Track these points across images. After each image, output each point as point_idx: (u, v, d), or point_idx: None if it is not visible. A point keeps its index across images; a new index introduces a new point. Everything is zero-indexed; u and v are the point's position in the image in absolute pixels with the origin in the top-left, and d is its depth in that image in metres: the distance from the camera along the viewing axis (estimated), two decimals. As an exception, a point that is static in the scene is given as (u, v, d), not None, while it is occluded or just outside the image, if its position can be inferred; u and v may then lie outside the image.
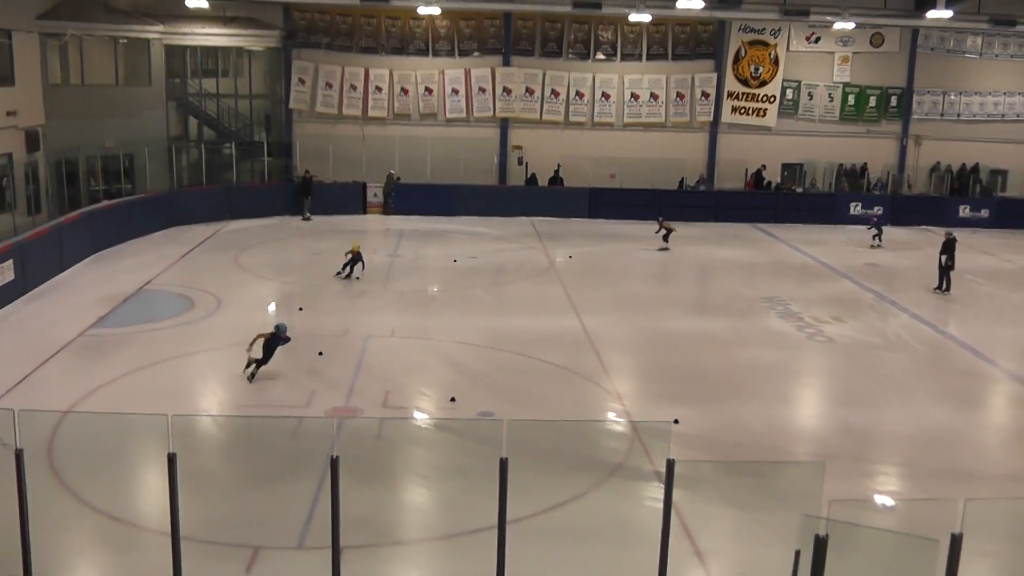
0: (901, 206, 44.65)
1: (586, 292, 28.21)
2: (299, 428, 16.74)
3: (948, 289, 30.33)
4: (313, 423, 16.76)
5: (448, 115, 43.72)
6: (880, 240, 38.24)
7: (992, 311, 29.17)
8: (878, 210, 40.75)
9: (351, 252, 28.41)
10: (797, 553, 9.61)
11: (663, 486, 9.65)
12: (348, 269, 28.47)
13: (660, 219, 36.10)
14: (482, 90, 43.62)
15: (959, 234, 41.89)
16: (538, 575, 10.74)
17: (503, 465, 9.20)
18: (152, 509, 13.09)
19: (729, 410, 18.98)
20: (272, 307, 25.38)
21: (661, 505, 9.71)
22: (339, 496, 9.04)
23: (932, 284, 31.02)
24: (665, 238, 35.55)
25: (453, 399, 18.64)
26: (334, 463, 9.03)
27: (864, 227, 40.54)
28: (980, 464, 17.33)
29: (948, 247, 30.38)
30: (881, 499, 15.44)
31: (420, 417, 18.12)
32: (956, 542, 9.82)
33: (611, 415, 18.54)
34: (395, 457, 15.99)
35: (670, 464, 9.55)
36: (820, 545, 9.32)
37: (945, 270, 30.40)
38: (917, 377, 22.31)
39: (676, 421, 17.16)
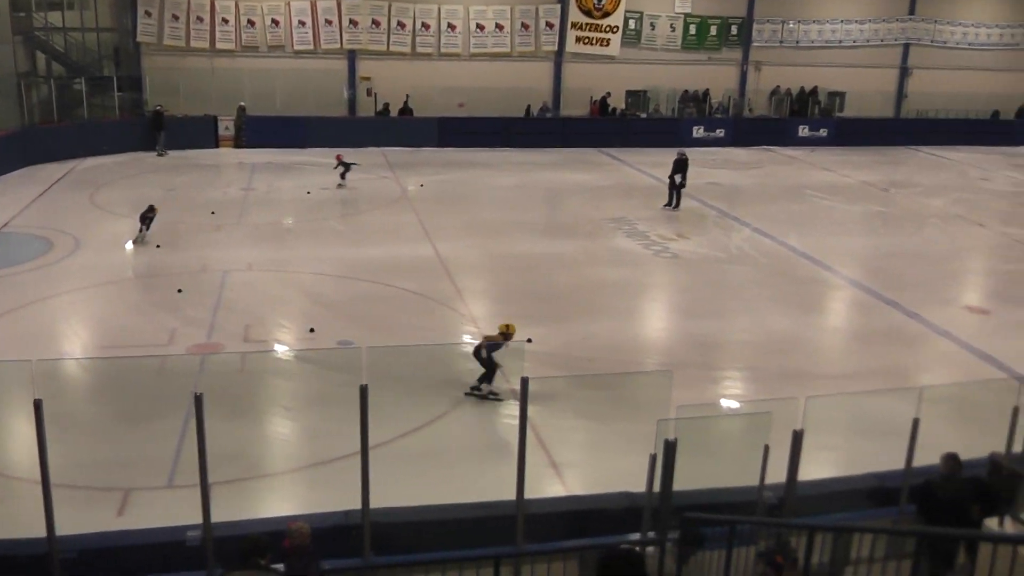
0: (743, 128, 45.89)
1: (439, 219, 28.23)
2: (163, 367, 16.51)
3: (678, 206, 30.72)
4: (176, 361, 16.52)
5: (296, 47, 42.88)
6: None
7: (832, 223, 30.31)
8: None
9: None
10: (652, 457, 9.93)
11: (519, 403, 9.85)
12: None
13: (337, 155, 33.94)
14: (328, 22, 42.87)
15: (799, 152, 43.50)
16: (402, 497, 10.88)
17: (363, 392, 9.25)
18: (20, 457, 12.73)
19: (581, 327, 19.32)
20: (129, 244, 24.76)
21: (517, 422, 9.91)
22: (205, 433, 8.99)
23: (774, 200, 31.96)
24: (343, 175, 33.14)
25: (312, 330, 18.53)
26: (198, 400, 8.97)
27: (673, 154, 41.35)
28: (820, 365, 18.16)
29: (680, 166, 30.72)
30: (727, 402, 15.98)
31: (281, 349, 17.94)
32: (797, 438, 10.27)
33: (466, 337, 18.67)
34: (258, 390, 15.88)
35: (524, 381, 9.70)
36: (670, 448, 9.65)
37: (676, 188, 30.75)
38: (760, 287, 23.06)
39: (529, 340, 17.39)
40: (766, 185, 35.80)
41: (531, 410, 9.92)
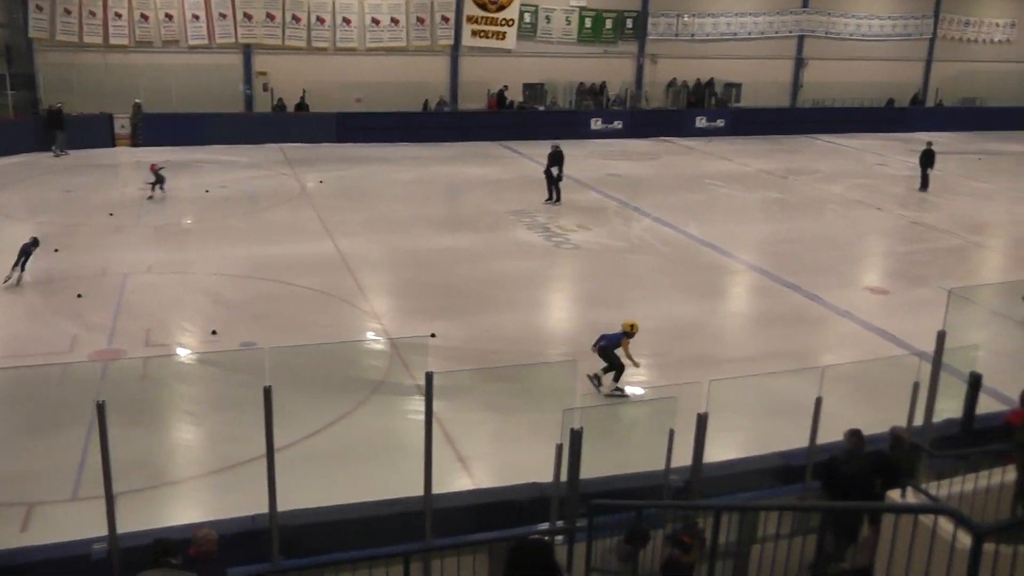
0: (640, 120, 46.28)
1: (339, 215, 27.99)
2: (63, 375, 16.13)
3: (558, 199, 30.50)
4: (77, 368, 16.15)
5: (191, 42, 42.05)
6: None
7: (731, 211, 30.76)
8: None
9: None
10: (559, 447, 9.97)
11: (424, 398, 9.82)
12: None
13: (152, 165, 31.14)
14: (223, 16, 42.16)
15: (697, 142, 43.98)
16: (310, 498, 10.78)
17: (267, 394, 9.15)
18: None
19: (484, 320, 19.35)
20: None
21: (423, 417, 9.88)
22: (108, 442, 8.80)
23: (673, 190, 32.31)
24: (154, 186, 30.28)
25: (215, 332, 18.25)
26: (100, 408, 8.78)
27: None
28: (724, 349, 18.44)
29: (555, 159, 30.52)
30: (631, 389, 16.09)
31: (183, 353, 17.67)
32: (702, 421, 10.38)
33: (370, 334, 18.59)
34: (162, 396, 15.58)
35: (429, 376, 9.67)
36: (575, 437, 9.70)
37: (554, 181, 30.53)
38: (662, 275, 23.33)
39: (433, 335, 17.36)
40: (665, 175, 36.22)
41: (437, 405, 9.88)
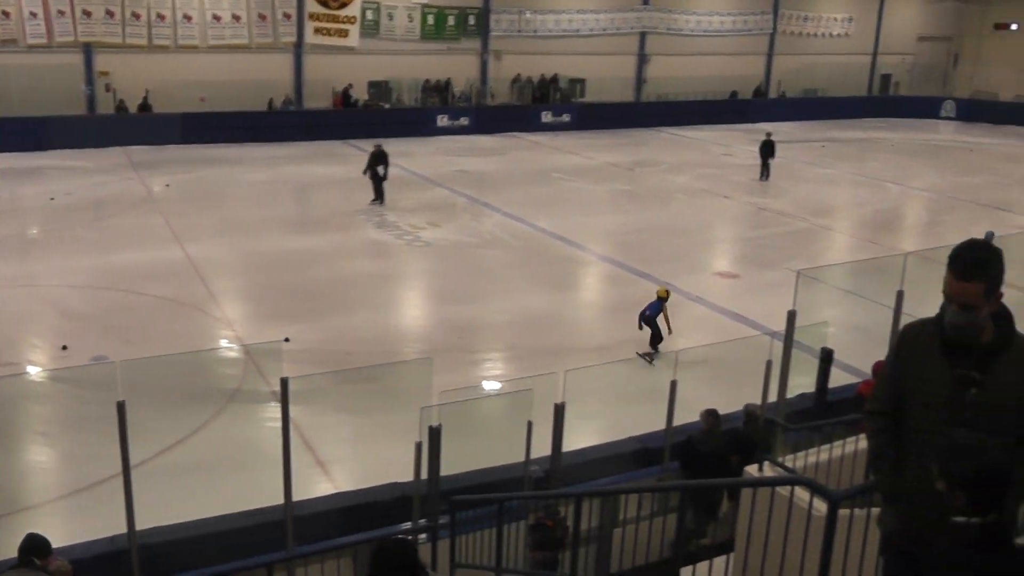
0: (486, 116, 46.42)
1: (187, 220, 27.27)
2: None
3: (382, 200, 29.79)
4: (-78, 393, 15.51)
5: (29, 40, 40.23)
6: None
7: (580, 204, 31.08)
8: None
9: None
10: (418, 445, 9.93)
11: (280, 405, 9.68)
12: None
13: None
14: (61, 13, 40.37)
15: (543, 137, 44.35)
16: (169, 515, 10.53)
17: (120, 409, 8.92)
18: None
19: (338, 322, 19.16)
20: None
21: (280, 424, 9.74)
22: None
23: (522, 185, 32.50)
24: None
25: (65, 347, 17.59)
26: (120, 407, 8.53)
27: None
28: (578, 339, 18.58)
29: (380, 158, 29.65)
30: (488, 384, 16.17)
31: (33, 371, 17.04)
32: (559, 411, 10.49)
33: (223, 342, 18.21)
34: (12, 417, 14.97)
35: (284, 382, 9.57)
36: (434, 435, 9.68)
37: (379, 181, 29.75)
38: (514, 269, 23.44)
39: (287, 339, 17.12)
40: (513, 170, 36.42)
41: (293, 410, 9.78)
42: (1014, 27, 60.36)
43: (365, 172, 29.74)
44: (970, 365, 4.64)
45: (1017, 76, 58.42)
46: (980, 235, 6.27)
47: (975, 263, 4.54)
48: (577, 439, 12.85)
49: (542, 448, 10.77)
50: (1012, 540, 4.35)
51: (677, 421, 12.22)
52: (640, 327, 17.82)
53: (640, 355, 17.36)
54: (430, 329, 19.15)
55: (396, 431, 11.40)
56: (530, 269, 23.43)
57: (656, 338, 17.72)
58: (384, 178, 29.75)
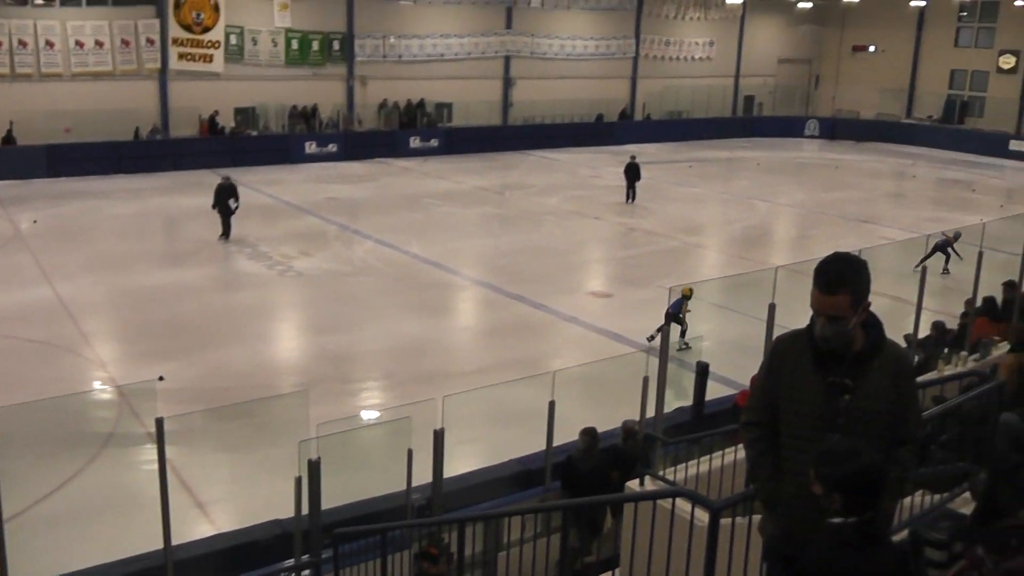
0: (354, 142, 46.17)
1: (56, 257, 26.27)
2: None
3: (229, 236, 28.50)
4: None
5: None
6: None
7: (451, 228, 31.12)
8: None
9: None
10: (297, 480, 9.80)
11: (156, 446, 9.47)
12: None
13: None
14: (-82, 41, 39.11)
15: (412, 163, 44.33)
16: (46, 568, 10.19)
17: (-12, 460, 8.66)
18: None
19: (213, 357, 18.84)
20: None
21: (156, 466, 9.53)
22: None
23: (393, 211, 32.42)
24: None
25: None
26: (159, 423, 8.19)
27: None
28: (455, 364, 18.68)
29: (229, 191, 28.49)
30: (367, 413, 16.07)
31: None
32: (439, 437, 10.46)
33: (96, 384, 17.73)
34: None
35: (159, 422, 9.36)
36: (314, 468, 9.56)
37: (227, 215, 28.50)
38: (388, 296, 23.36)
39: (161, 378, 16.75)
40: (383, 197, 36.30)
41: (170, 451, 9.59)
42: (872, 49, 62.81)
43: (214, 207, 28.61)
44: (842, 373, 4.79)
45: (877, 95, 60.75)
46: (848, 248, 6.45)
47: (839, 276, 4.68)
48: (458, 464, 12.84)
49: (424, 475, 10.73)
50: (887, 538, 4.48)
51: (557, 441, 12.29)
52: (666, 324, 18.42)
53: (649, 338, 18.31)
54: (306, 360, 18.97)
55: (276, 466, 11.27)
56: (404, 296, 23.38)
57: (683, 329, 19.37)
58: (233, 212, 28.59)
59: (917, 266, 18.86)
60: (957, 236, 24.66)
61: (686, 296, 19.46)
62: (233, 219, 28.57)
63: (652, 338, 18.20)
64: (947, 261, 25.04)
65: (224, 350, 19.25)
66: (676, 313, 19.27)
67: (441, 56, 50.13)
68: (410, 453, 10.32)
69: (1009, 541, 4.62)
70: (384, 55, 48.46)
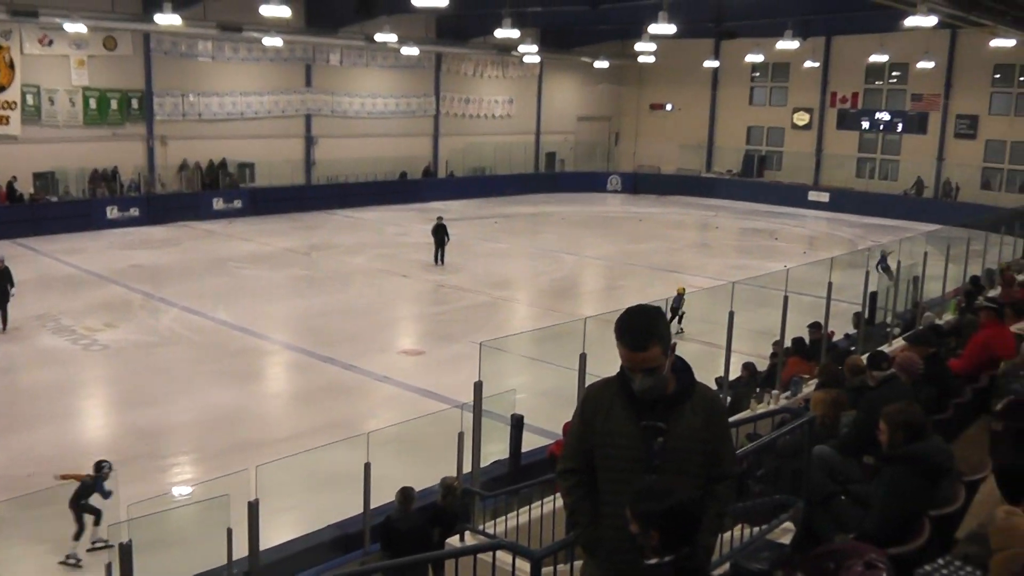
0: (157, 205, 44.99)
1: None
2: None
3: (5, 327, 25.75)
4: None
5: None
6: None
7: (259, 292, 30.67)
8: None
9: None
10: (108, 566, 9.49)
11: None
12: None
13: None
14: None
15: (216, 225, 43.57)
16: None
17: None
18: None
19: (17, 441, 18.00)
20: None
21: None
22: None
23: (198, 276, 31.83)
24: None
25: None
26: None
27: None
28: (268, 431, 18.44)
29: (3, 276, 25.97)
30: (178, 490, 15.65)
31: None
32: (253, 509, 10.27)
33: None
34: None
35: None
36: (125, 553, 9.25)
37: (4, 300, 25.91)
38: (196, 365, 22.86)
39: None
40: (188, 261, 35.52)
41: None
42: (669, 107, 65.22)
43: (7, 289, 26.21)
44: (655, 417, 4.91)
45: (677, 150, 63.35)
46: (656, 297, 6.63)
47: (646, 331, 4.82)
48: (276, 534, 12.65)
49: (243, 548, 10.51)
50: (707, 573, 4.61)
51: (376, 503, 12.24)
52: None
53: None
54: (115, 438, 18.34)
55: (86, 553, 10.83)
56: (213, 364, 22.93)
57: (679, 320, 24.70)
58: (9, 299, 26.02)
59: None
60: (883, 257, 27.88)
61: (681, 294, 24.65)
62: (10, 306, 26.07)
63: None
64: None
65: (29, 433, 18.38)
66: (677, 307, 24.42)
67: (242, 114, 49.42)
68: (229, 532, 10.11)
69: (827, 565, 4.85)
70: (184, 113, 47.40)
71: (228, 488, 10.13)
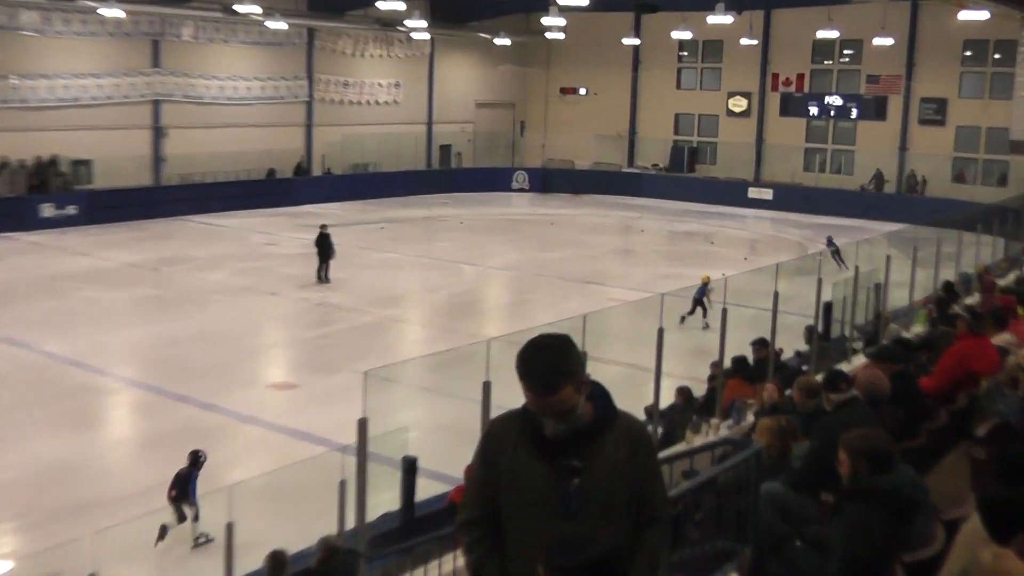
0: (-32, 213, 43.91)
1: None
2: None
3: None
4: None
5: None
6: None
7: (97, 317, 30.03)
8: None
9: None
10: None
11: None
12: None
13: None
14: None
15: (45, 236, 42.65)
16: None
17: None
18: None
19: None
20: None
21: None
22: None
23: (23, 299, 31.22)
24: None
25: None
26: None
27: None
28: (108, 487, 18.06)
29: None
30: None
31: None
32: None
33: None
34: None
35: None
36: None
37: None
38: (20, 409, 22.20)
39: None
40: (10, 281, 34.72)
41: None
42: (582, 91, 65.68)
43: None
44: (570, 453, 4.78)
45: (594, 142, 63.82)
46: (573, 312, 6.54)
47: (554, 372, 4.69)
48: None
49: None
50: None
51: (242, 570, 12.02)
52: (692, 310, 28.28)
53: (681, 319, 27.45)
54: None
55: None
56: (42, 407, 22.33)
57: (704, 313, 27.87)
58: None
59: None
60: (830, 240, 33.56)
61: (706, 283, 27.21)
62: None
63: (684, 320, 27.65)
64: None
65: None
66: (700, 298, 27.49)
67: (76, 100, 47.87)
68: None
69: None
70: (4, 100, 45.82)
71: (60, 562, 9.93)
